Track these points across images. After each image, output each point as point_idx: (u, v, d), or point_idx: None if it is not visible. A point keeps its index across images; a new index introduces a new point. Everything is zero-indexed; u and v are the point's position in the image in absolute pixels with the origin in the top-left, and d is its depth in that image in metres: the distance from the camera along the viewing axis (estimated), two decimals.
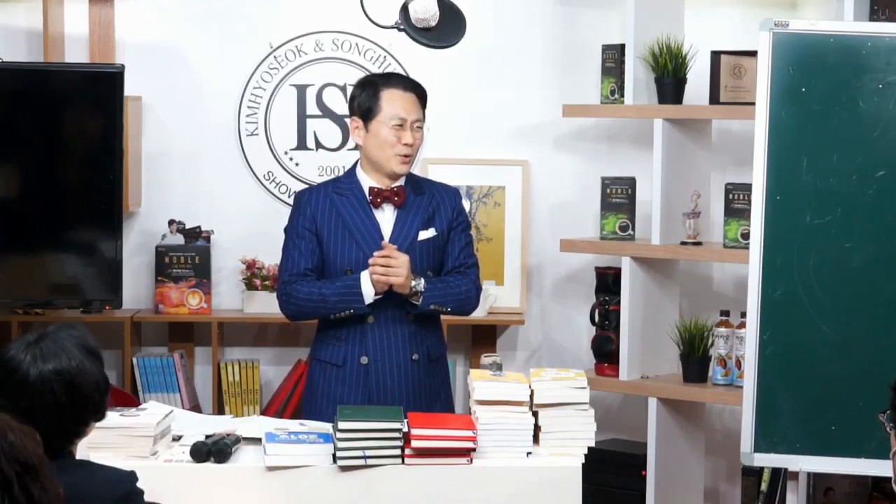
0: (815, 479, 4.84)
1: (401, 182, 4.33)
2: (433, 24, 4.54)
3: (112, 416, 3.33)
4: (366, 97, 4.30)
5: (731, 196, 5.06)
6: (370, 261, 4.19)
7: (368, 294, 4.19)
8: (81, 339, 2.95)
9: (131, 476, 2.96)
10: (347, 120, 4.44)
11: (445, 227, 4.35)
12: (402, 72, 5.53)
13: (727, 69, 5.17)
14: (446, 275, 4.34)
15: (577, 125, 5.72)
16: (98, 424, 3.00)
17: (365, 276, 4.20)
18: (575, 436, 3.64)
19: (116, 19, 5.64)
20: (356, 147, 4.41)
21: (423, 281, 4.23)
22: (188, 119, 5.70)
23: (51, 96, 5.12)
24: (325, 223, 4.30)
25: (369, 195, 4.30)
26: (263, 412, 5.50)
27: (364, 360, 4.27)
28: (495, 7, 5.68)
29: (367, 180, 4.32)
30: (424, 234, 4.31)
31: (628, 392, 5.39)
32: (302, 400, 4.68)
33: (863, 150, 4.37)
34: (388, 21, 4.59)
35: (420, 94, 4.33)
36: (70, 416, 2.90)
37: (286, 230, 4.38)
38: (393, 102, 4.27)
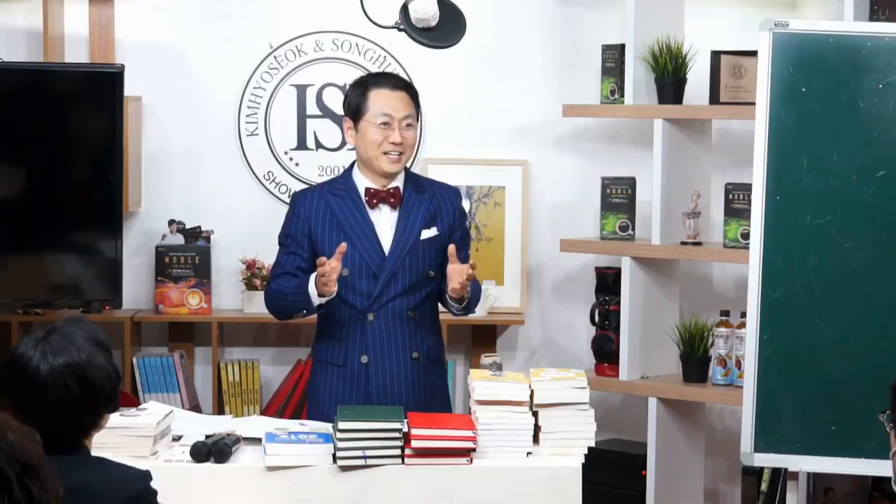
0: (815, 479, 4.84)
1: (397, 183, 4.30)
2: (433, 24, 4.54)
3: (112, 416, 3.32)
4: (355, 97, 4.29)
5: (731, 196, 5.06)
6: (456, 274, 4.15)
7: (313, 294, 4.16)
8: (90, 332, 2.95)
9: (145, 476, 2.95)
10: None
11: (447, 228, 4.34)
12: (401, 72, 5.54)
13: (727, 69, 5.17)
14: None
15: (577, 125, 5.72)
16: None
17: (312, 279, 4.15)
18: (575, 436, 3.64)
19: (116, 19, 5.64)
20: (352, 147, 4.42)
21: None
22: (188, 119, 5.70)
23: (51, 96, 5.12)
24: (319, 225, 4.28)
25: (365, 196, 4.28)
26: (263, 412, 5.49)
27: (364, 359, 4.26)
28: (495, 7, 5.68)
29: (363, 181, 4.30)
30: (427, 234, 4.29)
31: (628, 392, 5.38)
32: (303, 399, 4.68)
33: (863, 150, 4.36)
34: (388, 21, 4.58)
35: (411, 92, 4.31)
36: (84, 409, 2.89)
37: (280, 232, 4.38)
38: (380, 101, 4.25)
